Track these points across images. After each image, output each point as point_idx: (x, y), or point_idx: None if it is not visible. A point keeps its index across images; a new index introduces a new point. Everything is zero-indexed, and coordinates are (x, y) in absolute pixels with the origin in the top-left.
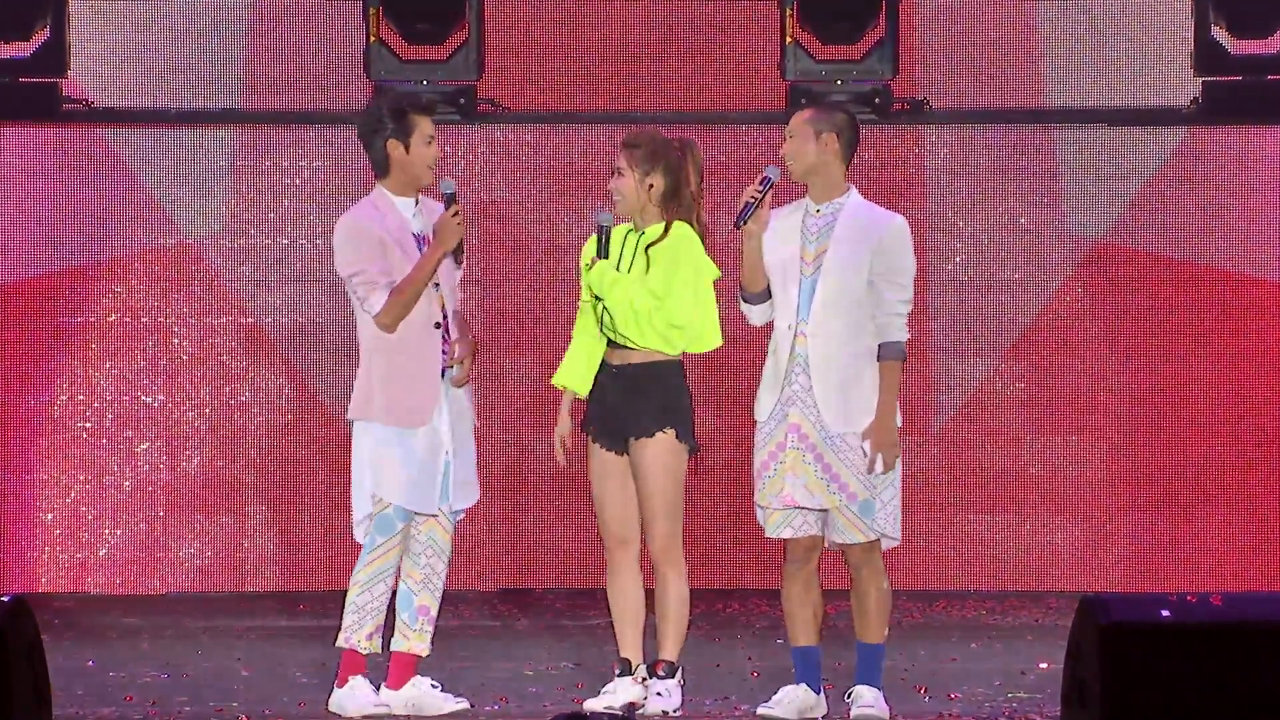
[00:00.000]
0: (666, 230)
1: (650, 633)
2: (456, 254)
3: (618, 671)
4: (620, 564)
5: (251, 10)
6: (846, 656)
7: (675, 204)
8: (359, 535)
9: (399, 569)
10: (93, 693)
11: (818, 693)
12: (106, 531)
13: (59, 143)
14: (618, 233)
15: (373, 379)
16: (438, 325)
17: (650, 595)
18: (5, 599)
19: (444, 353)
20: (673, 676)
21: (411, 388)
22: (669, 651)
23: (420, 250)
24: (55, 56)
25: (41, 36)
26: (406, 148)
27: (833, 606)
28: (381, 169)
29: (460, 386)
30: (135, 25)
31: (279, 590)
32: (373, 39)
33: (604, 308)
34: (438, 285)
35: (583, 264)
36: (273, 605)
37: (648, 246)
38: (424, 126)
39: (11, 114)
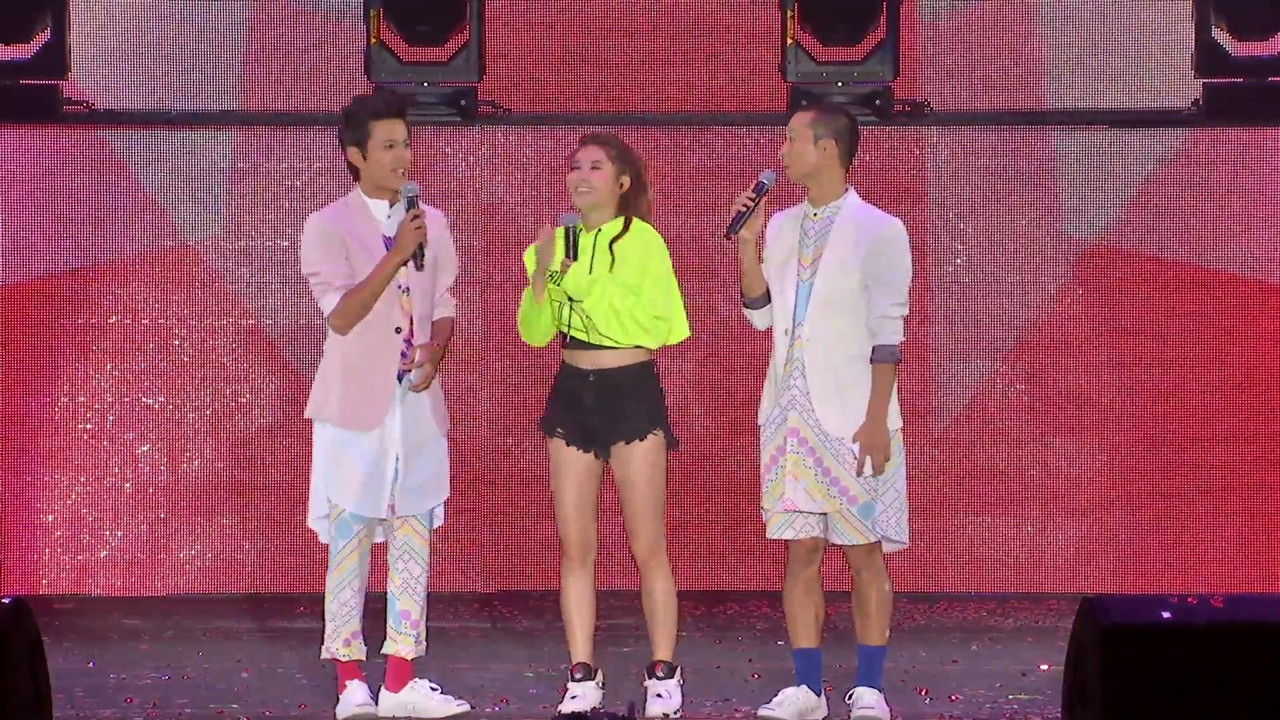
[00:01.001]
0: (627, 226)
1: (634, 635)
2: (416, 258)
3: (578, 677)
4: (580, 569)
5: (251, 12)
6: (847, 658)
7: (630, 204)
8: (315, 526)
9: (366, 571)
10: (93, 694)
11: (818, 694)
12: (107, 533)
13: (59, 144)
14: (584, 237)
15: (330, 379)
16: (398, 330)
17: (634, 596)
18: (6, 601)
19: (404, 356)
20: (672, 677)
21: (363, 390)
22: (665, 651)
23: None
24: (56, 58)
25: (42, 38)
26: (364, 154)
27: (833, 608)
28: (353, 173)
29: (418, 391)
30: (135, 27)
31: (279, 592)
32: (373, 41)
33: (575, 311)
34: (407, 290)
35: (531, 268)
36: (273, 607)
37: (611, 243)
38: (382, 131)
39: (12, 116)
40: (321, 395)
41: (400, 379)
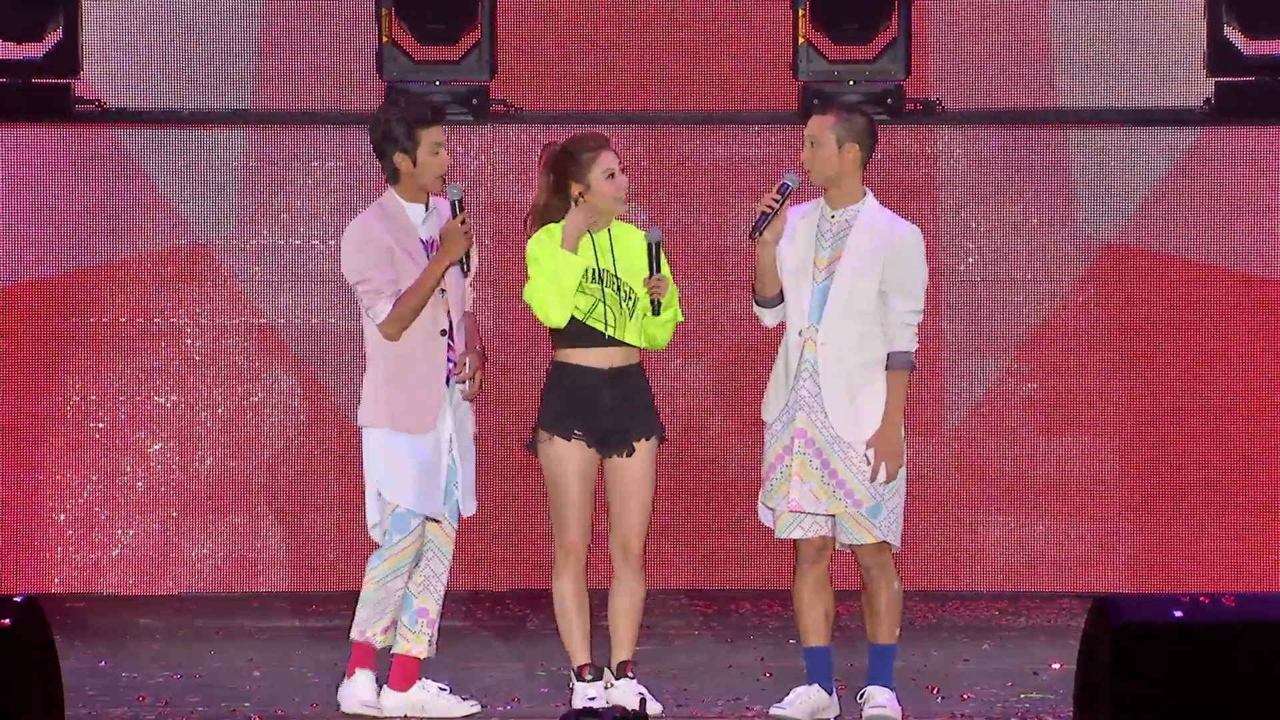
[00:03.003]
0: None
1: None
2: (464, 261)
3: (589, 677)
4: (579, 567)
5: (264, 11)
6: (859, 657)
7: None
8: (375, 536)
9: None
10: (105, 693)
11: (830, 693)
12: (119, 532)
13: (72, 143)
14: (598, 235)
15: (379, 384)
16: (443, 333)
17: (602, 596)
18: (18, 599)
19: (449, 360)
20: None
21: (416, 394)
22: (631, 651)
23: (428, 257)
24: (68, 57)
25: (54, 37)
26: (414, 161)
27: (844, 607)
28: (393, 178)
29: (471, 399)
30: (148, 26)
31: (291, 590)
32: (385, 40)
33: (609, 307)
34: (444, 292)
35: (543, 252)
36: (285, 605)
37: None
38: (431, 135)
39: (24, 114)
40: (372, 401)
41: (448, 381)
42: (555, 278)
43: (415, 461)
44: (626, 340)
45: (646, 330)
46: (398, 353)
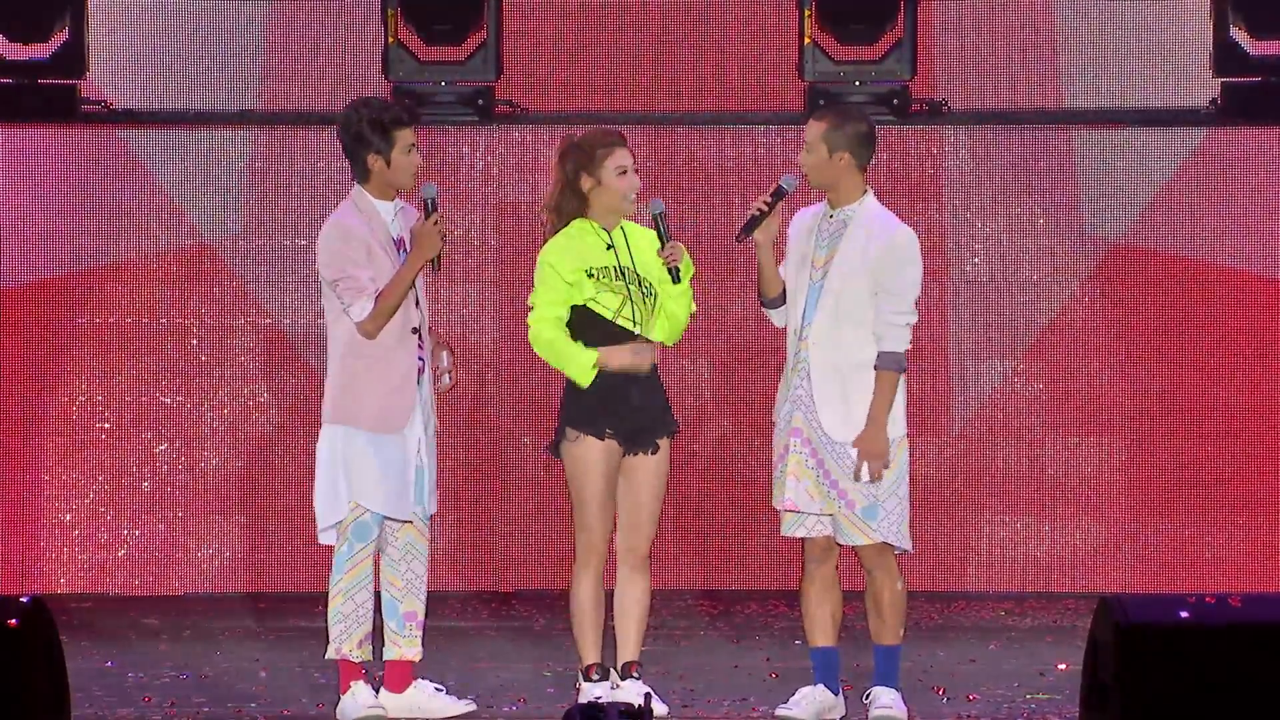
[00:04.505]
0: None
1: (612, 634)
2: (434, 261)
3: (597, 677)
4: (600, 567)
5: (269, 12)
6: (865, 657)
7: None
8: (327, 540)
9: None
10: (111, 693)
11: (836, 693)
12: (125, 532)
13: (78, 144)
14: (613, 233)
15: (354, 383)
16: (414, 330)
17: (608, 596)
18: (24, 600)
19: (419, 359)
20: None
21: (391, 393)
22: (637, 652)
23: (399, 254)
24: (74, 58)
25: (61, 38)
26: (388, 162)
27: (850, 607)
28: (363, 177)
29: (445, 391)
30: (154, 27)
31: (297, 591)
32: (391, 40)
33: (636, 303)
34: (414, 291)
35: (561, 272)
36: (291, 606)
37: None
38: (405, 137)
39: (31, 115)
40: (344, 399)
41: (418, 380)
42: (558, 352)
43: (381, 463)
44: (651, 338)
45: (667, 308)
46: (372, 352)
